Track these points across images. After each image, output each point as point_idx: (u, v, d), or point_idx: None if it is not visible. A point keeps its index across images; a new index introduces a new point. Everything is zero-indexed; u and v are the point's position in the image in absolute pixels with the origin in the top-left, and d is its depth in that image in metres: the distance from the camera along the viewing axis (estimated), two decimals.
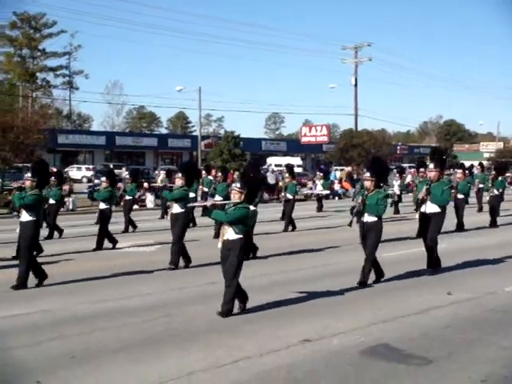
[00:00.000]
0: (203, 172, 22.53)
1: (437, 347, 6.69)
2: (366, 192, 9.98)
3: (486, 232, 17.71)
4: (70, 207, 25.89)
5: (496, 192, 19.18)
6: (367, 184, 10.06)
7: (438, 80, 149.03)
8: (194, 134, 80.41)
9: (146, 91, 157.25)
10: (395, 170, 24.72)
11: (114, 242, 14.62)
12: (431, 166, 11.27)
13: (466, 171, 22.83)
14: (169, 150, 64.24)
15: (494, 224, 18.74)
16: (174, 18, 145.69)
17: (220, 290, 9.89)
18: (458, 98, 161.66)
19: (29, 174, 10.69)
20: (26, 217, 10.18)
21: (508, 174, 28.48)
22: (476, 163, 25.89)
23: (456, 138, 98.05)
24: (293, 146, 69.52)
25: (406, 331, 7.33)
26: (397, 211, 22.68)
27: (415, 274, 10.76)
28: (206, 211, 8.36)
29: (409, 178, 23.75)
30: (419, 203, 11.29)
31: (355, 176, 37.44)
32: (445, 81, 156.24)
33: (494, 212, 18.97)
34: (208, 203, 8.53)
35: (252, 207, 12.86)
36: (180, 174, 12.08)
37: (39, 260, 10.81)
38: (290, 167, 19.87)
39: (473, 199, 23.96)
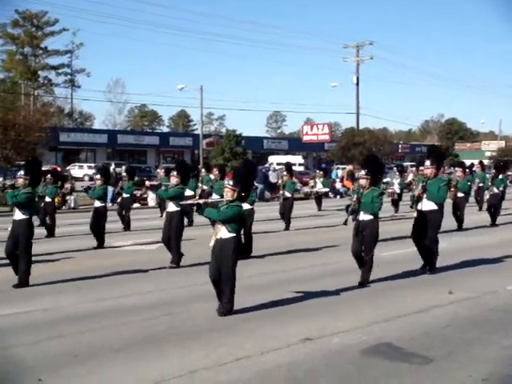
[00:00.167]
0: (203, 170, 22.51)
1: (437, 346, 6.70)
2: (362, 190, 9.91)
3: (486, 231, 17.71)
4: (72, 205, 25.93)
5: (496, 190, 19.15)
6: (362, 182, 9.99)
7: (439, 78, 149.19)
8: (195, 132, 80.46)
9: (148, 89, 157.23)
10: (395, 169, 24.67)
11: (101, 242, 14.42)
12: (427, 162, 11.12)
13: (467, 170, 22.83)
14: (170, 148, 64.26)
15: (493, 223, 18.73)
16: (176, 17, 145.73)
17: None
18: (459, 96, 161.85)
19: (22, 172, 10.55)
20: (18, 215, 10.10)
21: (509, 173, 28.46)
22: (477, 162, 25.85)
23: (458, 136, 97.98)
24: (294, 144, 69.52)
25: (407, 330, 7.34)
26: (396, 210, 22.65)
27: (415, 273, 10.75)
28: (199, 209, 8.31)
29: (410, 177, 23.72)
30: (415, 200, 11.15)
31: (357, 175, 37.37)
32: (447, 79, 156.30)
33: (495, 211, 18.95)
34: (201, 201, 8.47)
35: (248, 205, 12.93)
36: (175, 173, 12.02)
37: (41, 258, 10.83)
38: (288, 165, 19.83)
39: (472, 198, 23.96)
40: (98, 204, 14.75)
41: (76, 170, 50.00)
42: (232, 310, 7.96)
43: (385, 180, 26.58)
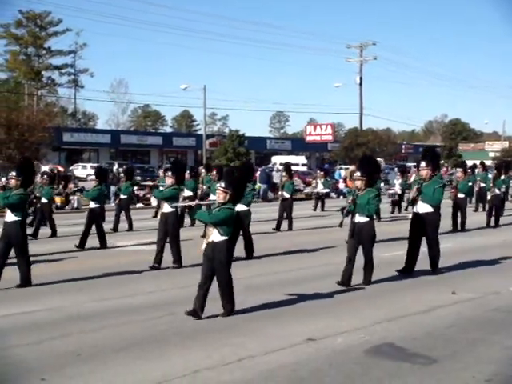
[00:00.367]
0: (203, 171, 22.48)
1: (441, 346, 6.70)
2: (357, 191, 9.81)
3: (489, 232, 17.68)
4: (75, 205, 25.95)
5: (497, 191, 19.08)
6: (358, 183, 9.88)
7: (443, 79, 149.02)
8: (198, 132, 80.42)
9: (151, 90, 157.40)
10: (396, 169, 24.64)
11: (83, 244, 14.15)
12: (423, 164, 10.97)
13: (469, 170, 22.77)
14: (173, 148, 64.28)
15: (496, 223, 18.68)
16: (179, 17, 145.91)
17: None
18: (463, 97, 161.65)
19: (14, 173, 10.31)
20: (10, 217, 9.91)
21: None
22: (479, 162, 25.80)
23: (461, 137, 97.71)
24: (297, 144, 69.47)
25: (410, 330, 7.33)
26: (398, 210, 22.66)
27: (418, 274, 10.73)
28: (190, 211, 8.20)
29: (414, 178, 23.70)
30: (410, 203, 11.03)
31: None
32: (450, 80, 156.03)
33: (497, 212, 18.89)
34: (192, 203, 8.33)
35: (245, 207, 12.88)
36: (170, 173, 11.92)
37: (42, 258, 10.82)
38: (287, 166, 19.72)
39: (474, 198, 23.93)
40: (92, 205, 14.57)
41: (79, 170, 50.02)
42: (233, 310, 7.95)
43: (382, 184, 26.59)
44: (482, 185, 21.76)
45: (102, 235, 14.44)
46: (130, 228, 18.09)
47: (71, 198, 25.83)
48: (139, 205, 26.57)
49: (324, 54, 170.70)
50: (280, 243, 14.99)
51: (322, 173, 26.01)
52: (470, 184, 22.16)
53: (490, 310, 8.35)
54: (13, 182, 10.24)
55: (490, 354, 6.47)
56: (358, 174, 9.99)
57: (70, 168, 47.89)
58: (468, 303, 8.74)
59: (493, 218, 18.76)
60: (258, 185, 33.29)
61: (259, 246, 13.23)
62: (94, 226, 14.41)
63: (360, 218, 9.68)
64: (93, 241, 14.75)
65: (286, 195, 18.34)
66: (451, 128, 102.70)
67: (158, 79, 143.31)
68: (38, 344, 6.85)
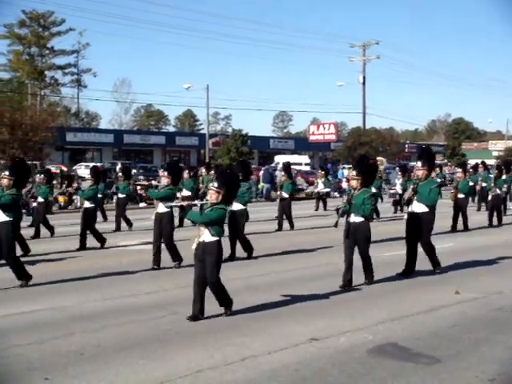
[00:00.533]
0: (203, 170, 22.43)
1: (444, 346, 6.68)
2: (353, 191, 9.71)
3: (491, 231, 17.65)
4: (78, 205, 25.97)
5: (498, 191, 19.01)
6: (353, 183, 9.78)
7: (446, 78, 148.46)
8: (201, 132, 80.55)
9: (154, 89, 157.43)
10: (397, 168, 24.58)
11: (84, 245, 14.11)
12: (419, 164, 10.86)
13: (471, 170, 22.70)
14: (176, 148, 64.32)
15: (499, 222, 18.65)
16: (181, 16, 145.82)
17: (229, 286, 9.92)
18: (466, 96, 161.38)
19: (6, 173, 10.17)
20: (2, 217, 9.78)
21: None
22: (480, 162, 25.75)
23: (464, 136, 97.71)
24: (301, 144, 69.47)
25: (414, 330, 7.32)
26: (400, 210, 22.64)
27: (420, 274, 10.70)
28: (182, 211, 8.10)
29: None
30: (406, 203, 10.93)
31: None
32: (454, 79, 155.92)
33: (498, 211, 18.83)
34: (184, 203, 8.24)
35: (241, 206, 12.84)
36: (166, 173, 11.74)
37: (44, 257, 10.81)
38: (286, 165, 19.64)
39: (476, 198, 23.90)
40: (87, 205, 14.42)
41: (82, 170, 49.98)
42: (231, 308, 7.92)
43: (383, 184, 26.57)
44: (484, 184, 21.72)
45: (97, 235, 14.29)
46: (130, 226, 18.02)
47: (74, 197, 25.86)
48: (142, 204, 26.57)
49: (327, 53, 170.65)
50: (280, 243, 14.98)
51: (322, 172, 25.95)
52: (472, 184, 22.15)
53: (494, 310, 8.34)
54: (5, 182, 10.09)
55: (493, 354, 6.45)
56: (353, 173, 9.90)
57: (73, 168, 47.97)
58: (471, 303, 8.72)
59: (495, 218, 18.72)
60: (261, 184, 33.29)
61: (259, 246, 13.21)
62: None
63: (355, 218, 9.58)
64: (92, 241, 14.76)
65: (285, 195, 18.27)
66: (454, 127, 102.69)
67: (161, 79, 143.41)
68: (40, 343, 6.86)
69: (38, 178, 17.47)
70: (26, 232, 16.19)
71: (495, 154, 71.01)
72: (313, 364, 6.14)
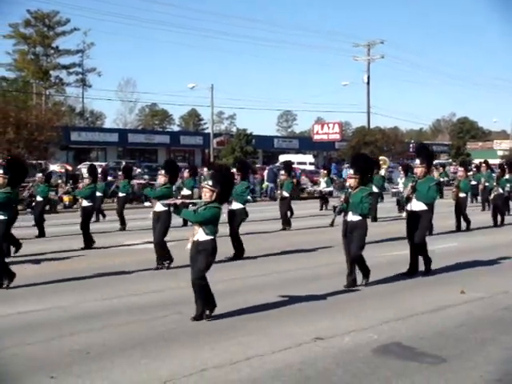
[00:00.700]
0: (205, 170, 22.41)
1: (450, 346, 6.67)
2: (350, 190, 9.65)
3: (496, 231, 17.62)
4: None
5: (501, 191, 18.95)
6: (351, 182, 9.71)
7: (451, 77, 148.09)
8: (206, 131, 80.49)
9: (159, 89, 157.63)
10: (400, 167, 24.51)
11: (90, 242, 14.18)
12: (417, 162, 10.79)
13: (474, 169, 22.62)
14: (181, 147, 64.31)
15: (502, 222, 18.57)
16: (186, 16, 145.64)
17: (234, 286, 9.93)
18: (471, 95, 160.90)
19: (1, 171, 10.06)
20: None
21: None
22: (489, 161, 25.67)
23: (469, 135, 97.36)
24: (305, 143, 69.37)
25: (419, 330, 7.31)
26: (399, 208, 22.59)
27: (426, 274, 10.68)
28: (176, 210, 7.95)
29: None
30: (405, 201, 10.85)
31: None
32: (458, 78, 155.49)
33: (499, 211, 18.73)
34: (178, 201, 8.14)
35: (240, 205, 12.80)
36: (163, 172, 11.75)
37: (52, 255, 10.83)
38: (286, 164, 19.60)
39: (479, 197, 23.88)
40: (85, 203, 14.43)
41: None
42: (203, 315, 7.66)
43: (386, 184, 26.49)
44: (487, 184, 21.68)
45: (86, 235, 14.16)
46: (123, 226, 17.94)
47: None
48: (147, 203, 26.56)
49: (332, 52, 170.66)
50: (280, 243, 14.99)
51: (325, 171, 25.89)
52: (475, 183, 22.06)
53: (499, 310, 8.31)
54: (0, 181, 10.00)
55: (499, 354, 6.43)
56: (350, 171, 9.85)
57: (78, 167, 48.03)
58: (477, 302, 8.70)
59: (499, 217, 18.68)
60: (265, 183, 33.32)
61: (260, 246, 13.24)
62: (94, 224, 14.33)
63: (353, 217, 9.50)
64: (99, 240, 14.80)
65: (285, 194, 18.22)
66: (459, 126, 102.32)
67: (166, 78, 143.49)
68: (46, 342, 6.87)
69: (37, 176, 17.46)
70: (31, 231, 16.25)
71: (500, 153, 70.80)
72: (317, 363, 6.13)
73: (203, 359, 6.23)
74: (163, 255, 11.45)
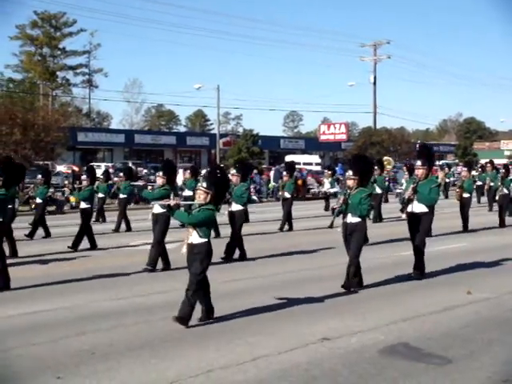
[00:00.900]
0: (203, 171, 22.34)
1: (457, 346, 6.65)
2: (349, 191, 9.57)
3: (503, 231, 17.58)
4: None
5: (505, 191, 18.88)
6: (350, 183, 9.61)
7: (458, 77, 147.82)
8: (212, 132, 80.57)
9: (165, 89, 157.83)
10: (405, 168, 24.43)
11: (93, 244, 14.16)
12: (418, 163, 10.68)
13: (480, 169, 22.54)
14: (187, 148, 64.40)
15: (502, 224, 18.41)
16: (193, 16, 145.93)
17: (239, 286, 9.93)
18: (478, 95, 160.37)
19: None
20: None
21: None
22: (496, 161, 25.58)
23: (476, 135, 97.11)
24: (311, 144, 69.34)
25: (426, 330, 7.30)
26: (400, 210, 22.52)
27: (432, 274, 10.65)
28: (170, 211, 7.83)
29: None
30: (405, 202, 10.76)
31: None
32: (465, 78, 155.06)
33: (503, 211, 18.68)
34: (171, 202, 8.07)
35: (240, 206, 12.73)
36: (161, 173, 11.65)
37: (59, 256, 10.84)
38: (289, 165, 19.49)
39: (485, 198, 23.79)
40: (83, 205, 14.29)
41: None
42: (189, 318, 7.39)
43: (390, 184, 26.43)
44: (491, 184, 21.59)
45: (79, 237, 14.02)
46: (117, 229, 17.82)
47: None
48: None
49: (338, 52, 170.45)
50: (283, 243, 14.98)
51: (329, 172, 25.81)
52: (480, 183, 21.95)
53: (507, 310, 8.29)
54: None
55: (507, 355, 6.42)
56: (350, 173, 9.73)
57: (85, 168, 48.09)
58: (484, 303, 8.67)
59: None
60: (271, 184, 33.28)
61: (265, 246, 13.21)
62: (93, 226, 14.30)
63: (352, 219, 9.41)
64: (103, 241, 14.83)
65: (287, 195, 18.15)
66: (466, 127, 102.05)
67: (172, 79, 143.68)
68: (53, 343, 6.89)
69: (38, 178, 17.20)
70: (39, 232, 16.29)
71: (507, 153, 70.57)
72: (323, 364, 6.13)
73: (209, 360, 6.24)
74: (154, 259, 11.32)
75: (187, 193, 18.43)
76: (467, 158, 56.05)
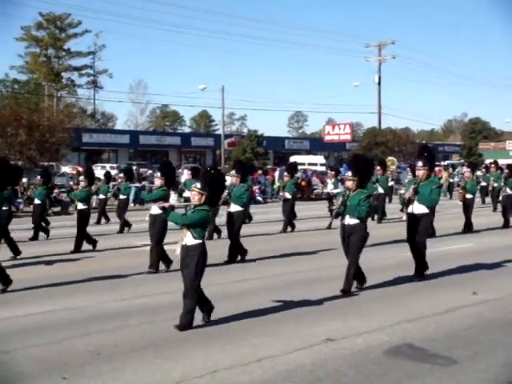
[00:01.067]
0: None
1: (461, 348, 6.65)
2: (348, 192, 9.47)
3: (509, 232, 17.49)
4: (93, 205, 26.10)
5: (509, 191, 18.76)
6: (349, 184, 9.51)
7: (463, 77, 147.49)
8: (217, 132, 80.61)
9: (170, 90, 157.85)
10: (408, 168, 24.37)
11: (93, 242, 14.13)
12: (419, 163, 10.55)
13: (484, 170, 22.46)
14: (192, 148, 64.46)
15: (506, 224, 18.33)
16: (197, 17, 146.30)
17: (244, 287, 9.94)
18: (483, 95, 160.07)
19: None
20: None
21: None
22: (501, 162, 25.52)
23: (481, 136, 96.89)
24: (316, 144, 69.34)
25: (430, 331, 7.29)
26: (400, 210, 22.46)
27: (436, 275, 10.63)
28: (164, 212, 7.78)
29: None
30: (406, 203, 10.65)
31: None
32: (470, 78, 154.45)
33: (506, 212, 18.61)
34: (166, 204, 8.01)
35: (239, 207, 12.66)
36: (159, 174, 11.60)
37: (65, 256, 10.86)
38: (290, 165, 19.39)
39: (488, 198, 23.74)
40: (80, 206, 14.22)
41: (98, 171, 50.05)
42: (190, 324, 7.38)
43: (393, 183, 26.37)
44: (495, 184, 21.50)
45: (79, 239, 13.95)
46: (121, 231, 17.74)
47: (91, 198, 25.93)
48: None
49: (342, 53, 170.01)
50: (288, 244, 14.96)
51: (332, 172, 25.75)
52: (484, 184, 21.87)
53: (510, 312, 8.27)
54: None
55: (510, 356, 6.41)
56: (349, 173, 9.63)
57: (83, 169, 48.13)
58: (489, 304, 8.66)
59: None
60: (276, 184, 33.31)
61: (268, 247, 13.19)
62: (91, 227, 14.25)
63: (350, 220, 9.28)
64: (107, 241, 14.84)
65: (288, 196, 18.07)
66: (471, 127, 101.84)
67: (177, 79, 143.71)
68: (58, 343, 6.92)
69: (39, 180, 17.06)
70: (41, 234, 16.32)
71: None
72: (328, 365, 6.14)
73: (214, 360, 6.25)
74: (156, 261, 11.30)
75: (188, 193, 18.41)
76: (472, 159, 55.98)
